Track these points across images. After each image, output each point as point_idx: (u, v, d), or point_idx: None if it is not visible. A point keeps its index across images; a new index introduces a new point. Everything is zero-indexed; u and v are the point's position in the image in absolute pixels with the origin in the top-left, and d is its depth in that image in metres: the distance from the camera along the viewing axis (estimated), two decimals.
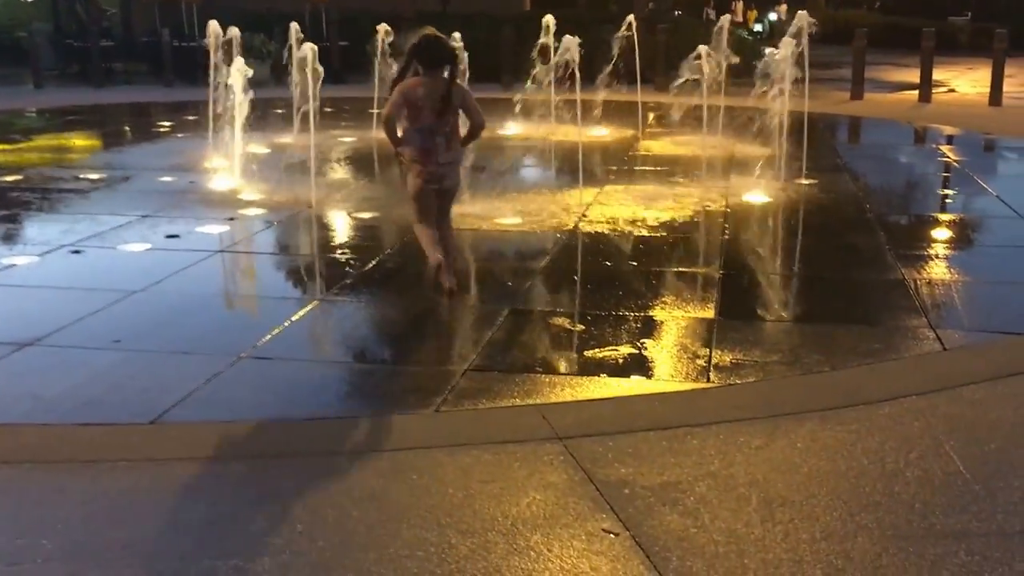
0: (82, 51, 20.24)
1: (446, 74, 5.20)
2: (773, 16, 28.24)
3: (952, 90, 17.64)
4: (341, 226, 7.73)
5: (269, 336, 4.96)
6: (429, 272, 5.27)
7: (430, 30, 5.32)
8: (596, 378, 4.42)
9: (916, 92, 15.83)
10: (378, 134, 11.74)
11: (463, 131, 5.46)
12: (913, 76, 16.82)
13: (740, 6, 27.41)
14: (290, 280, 6.43)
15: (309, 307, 5.55)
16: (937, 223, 7.80)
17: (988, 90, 15.17)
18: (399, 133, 5.29)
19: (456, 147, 5.39)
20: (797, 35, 9.23)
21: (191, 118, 15.01)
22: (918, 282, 5.88)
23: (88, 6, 22.67)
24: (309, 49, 8.19)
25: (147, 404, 4.11)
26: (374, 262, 6.41)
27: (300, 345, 5.01)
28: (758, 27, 26.94)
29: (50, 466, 3.65)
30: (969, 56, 23.35)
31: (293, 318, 5.29)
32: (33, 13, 22.50)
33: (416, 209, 5.45)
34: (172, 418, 4.01)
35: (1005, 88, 15.13)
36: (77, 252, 6.71)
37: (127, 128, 14.64)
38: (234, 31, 10.06)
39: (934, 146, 11.99)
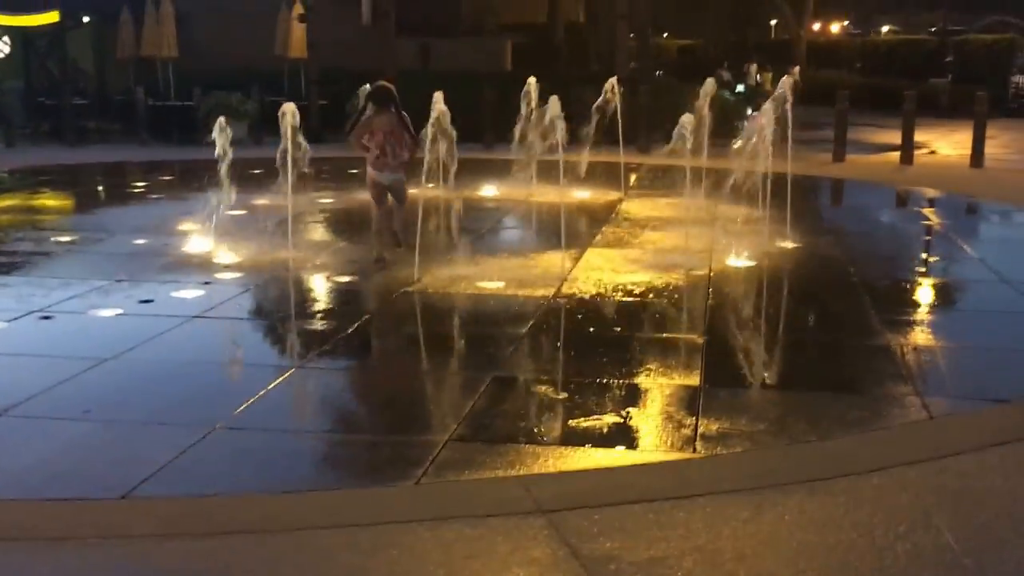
0: (54, 109, 20.38)
1: (393, 109, 8.26)
2: (758, 77, 28.71)
3: (933, 152, 18.04)
4: (319, 290, 7.77)
5: (245, 405, 4.96)
6: (374, 254, 8.38)
7: (382, 82, 8.59)
8: (580, 448, 4.45)
9: (898, 154, 16.17)
10: (359, 195, 11.89)
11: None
12: (894, 137, 17.20)
13: (754, 67, 27.62)
14: (267, 347, 6.44)
15: (286, 375, 5.55)
16: (921, 287, 7.94)
17: (969, 152, 15.54)
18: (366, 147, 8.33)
19: (400, 155, 8.29)
20: (781, 97, 9.48)
21: (166, 178, 15.12)
22: (904, 348, 5.97)
23: (61, 63, 22.89)
24: (288, 110, 8.31)
25: (118, 478, 4.09)
26: (353, 327, 6.44)
27: (277, 415, 5.00)
28: (740, 87, 27.41)
29: (17, 544, 3.61)
30: (950, 118, 23.94)
31: (270, 386, 5.29)
32: (4, 70, 22.66)
33: (372, 195, 8.46)
34: (144, 492, 3.99)
35: (986, 150, 15.50)
36: (47, 318, 6.70)
37: (100, 188, 14.70)
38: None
39: (917, 209, 12.25)
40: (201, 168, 15.36)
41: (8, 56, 23.12)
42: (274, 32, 20.95)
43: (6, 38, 22.86)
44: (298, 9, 20.32)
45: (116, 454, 4.38)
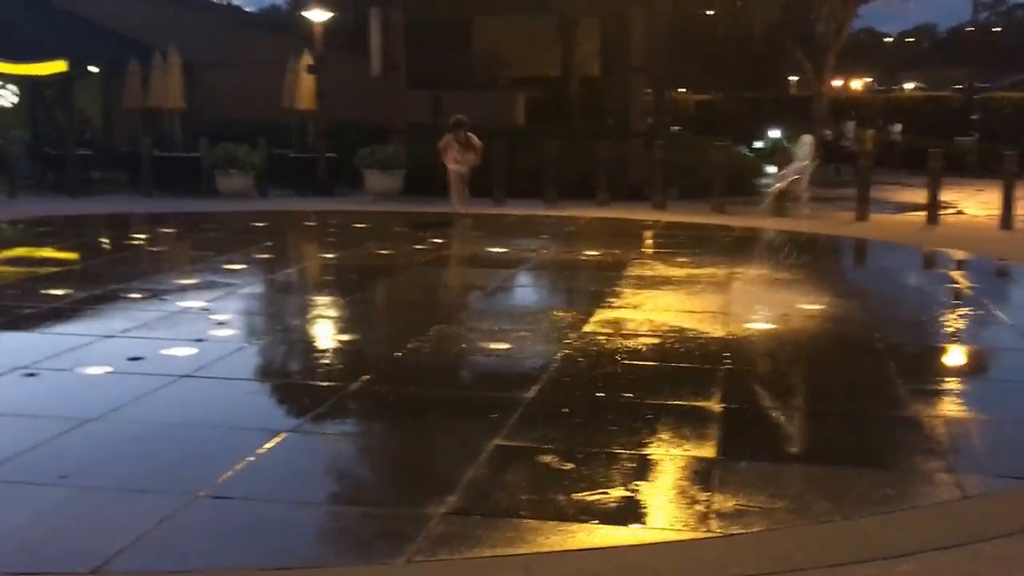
0: (59, 159, 20.58)
1: (463, 131, 15.39)
2: (775, 133, 28.79)
3: (960, 212, 17.93)
4: (317, 350, 7.65)
5: (231, 472, 4.82)
6: (454, 213, 15.36)
7: (459, 116, 15.59)
8: (585, 525, 4.26)
9: (923, 214, 16.06)
10: (364, 250, 12.02)
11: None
12: (919, 196, 17.12)
13: (852, 125, 26.42)
14: (257, 409, 6.28)
15: (276, 440, 5.40)
16: (950, 354, 7.75)
17: (998, 213, 15.40)
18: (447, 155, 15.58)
19: (467, 159, 15.40)
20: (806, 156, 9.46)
21: (169, 231, 15.16)
22: (933, 420, 5.78)
23: (67, 113, 23.19)
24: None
25: (90, 550, 3.94)
26: (351, 390, 6.31)
27: (264, 483, 4.83)
28: (759, 143, 27.48)
29: None
30: (977, 177, 23.89)
31: (258, 451, 5.14)
32: (10, 120, 22.97)
33: (451, 179, 15.40)
34: (116, 567, 3.84)
35: (1016, 211, 15.37)
36: (32, 375, 6.59)
37: (100, 241, 14.72)
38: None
39: (944, 271, 12.10)
40: (205, 220, 15.47)
41: (15, 106, 23.46)
42: (282, 83, 21.18)
43: (13, 87, 23.23)
44: (307, 60, 20.58)
45: (91, 523, 4.24)
